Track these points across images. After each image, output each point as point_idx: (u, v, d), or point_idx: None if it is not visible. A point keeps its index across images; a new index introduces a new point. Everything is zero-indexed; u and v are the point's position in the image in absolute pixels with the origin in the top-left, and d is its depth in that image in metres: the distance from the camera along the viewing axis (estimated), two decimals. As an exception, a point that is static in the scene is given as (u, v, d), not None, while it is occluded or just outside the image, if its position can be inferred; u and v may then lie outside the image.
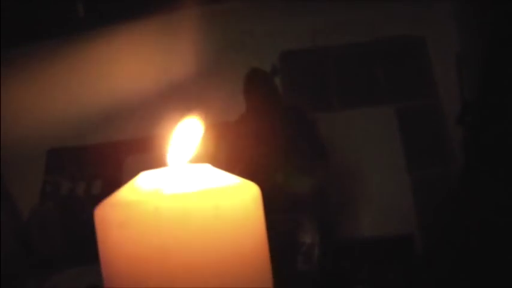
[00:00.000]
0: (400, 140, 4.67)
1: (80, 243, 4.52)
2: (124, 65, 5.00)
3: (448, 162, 4.67)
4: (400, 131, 4.70)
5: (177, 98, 4.73)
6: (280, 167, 3.13)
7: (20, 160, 4.65)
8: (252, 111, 3.28)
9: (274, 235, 2.66)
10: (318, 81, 4.93)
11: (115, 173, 4.83)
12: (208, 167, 0.73)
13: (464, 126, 4.31)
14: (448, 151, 4.70)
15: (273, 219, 2.73)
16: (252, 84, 3.32)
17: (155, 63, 5.00)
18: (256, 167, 3.10)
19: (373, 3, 4.77)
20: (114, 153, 4.94)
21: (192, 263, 0.64)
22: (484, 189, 3.77)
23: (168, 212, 0.65)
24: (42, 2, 4.60)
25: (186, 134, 0.75)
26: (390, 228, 4.37)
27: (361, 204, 4.57)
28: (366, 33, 4.86)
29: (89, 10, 4.84)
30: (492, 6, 3.65)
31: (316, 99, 4.84)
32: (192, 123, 0.76)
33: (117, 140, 4.96)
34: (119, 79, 4.98)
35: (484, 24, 3.81)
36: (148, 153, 4.73)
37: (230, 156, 3.29)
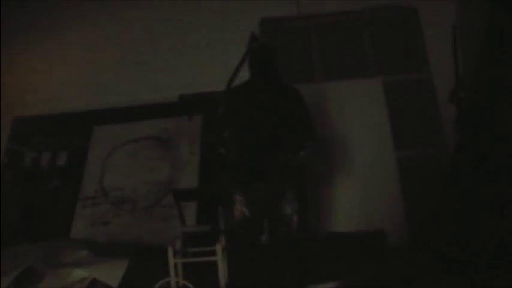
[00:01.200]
0: (387, 116, 4.47)
1: (38, 217, 4.31)
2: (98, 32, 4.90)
3: (438, 141, 4.49)
4: (387, 106, 4.50)
5: (158, 67, 4.72)
6: (269, 140, 3.26)
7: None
8: (253, 83, 3.42)
9: (259, 204, 2.72)
10: (301, 50, 4.73)
11: (82, 143, 4.61)
12: None
13: (458, 103, 4.30)
14: (438, 129, 4.51)
15: (259, 188, 2.86)
16: (256, 58, 3.47)
17: (135, 34, 4.89)
18: (245, 136, 3.26)
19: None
20: (82, 122, 4.72)
21: None
22: (476, 174, 3.57)
23: None
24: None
25: None
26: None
27: (342, 183, 4.40)
28: (354, 1, 4.67)
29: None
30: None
31: (299, 69, 4.65)
32: None
33: (86, 110, 4.73)
34: (88, 48, 4.87)
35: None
36: (117, 124, 4.58)
37: (221, 120, 3.40)
